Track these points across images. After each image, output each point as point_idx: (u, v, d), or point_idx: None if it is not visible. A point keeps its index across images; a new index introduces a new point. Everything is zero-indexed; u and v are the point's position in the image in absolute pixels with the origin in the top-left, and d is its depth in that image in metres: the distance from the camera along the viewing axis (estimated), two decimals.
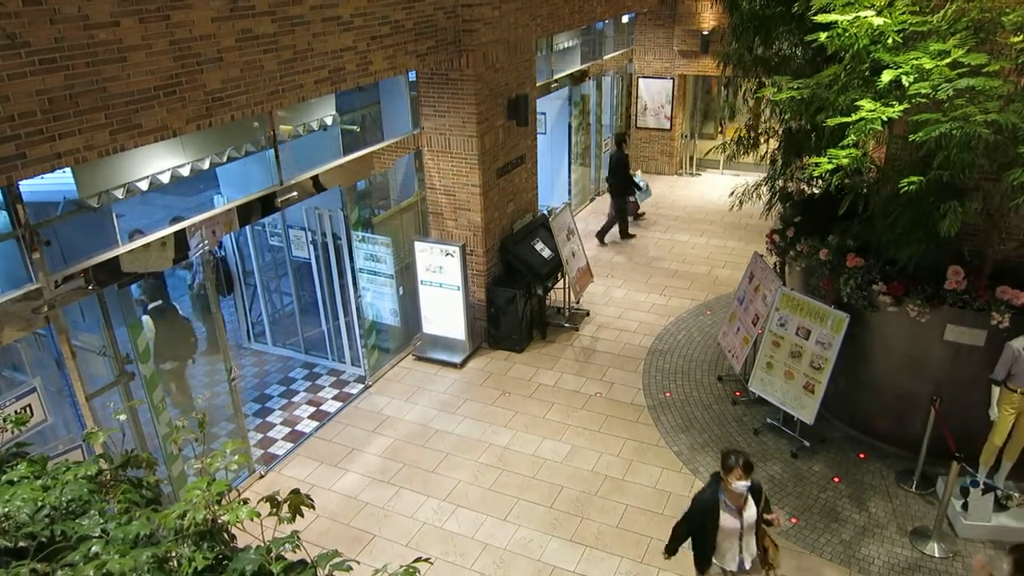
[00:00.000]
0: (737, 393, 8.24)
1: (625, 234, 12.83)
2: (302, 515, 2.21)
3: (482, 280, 9.19)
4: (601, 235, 12.68)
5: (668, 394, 8.32)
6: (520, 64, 9.20)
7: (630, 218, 13.08)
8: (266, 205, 6.72)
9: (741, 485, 4.59)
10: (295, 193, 6.95)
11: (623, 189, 12.42)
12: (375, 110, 9.09)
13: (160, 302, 7.53)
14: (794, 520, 6.38)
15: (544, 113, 13.11)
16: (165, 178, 5.86)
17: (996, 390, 6.00)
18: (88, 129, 4.53)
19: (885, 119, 5.05)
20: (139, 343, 5.81)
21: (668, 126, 15.78)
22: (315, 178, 7.23)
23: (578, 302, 10.27)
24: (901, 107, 5.04)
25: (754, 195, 8.24)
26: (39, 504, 2.15)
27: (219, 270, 8.88)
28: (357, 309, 8.47)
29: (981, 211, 5.65)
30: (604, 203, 14.69)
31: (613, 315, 10.16)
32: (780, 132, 7.66)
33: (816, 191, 7.97)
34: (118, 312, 5.78)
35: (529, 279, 9.24)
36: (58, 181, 5.29)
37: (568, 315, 10.05)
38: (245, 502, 2.10)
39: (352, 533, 6.41)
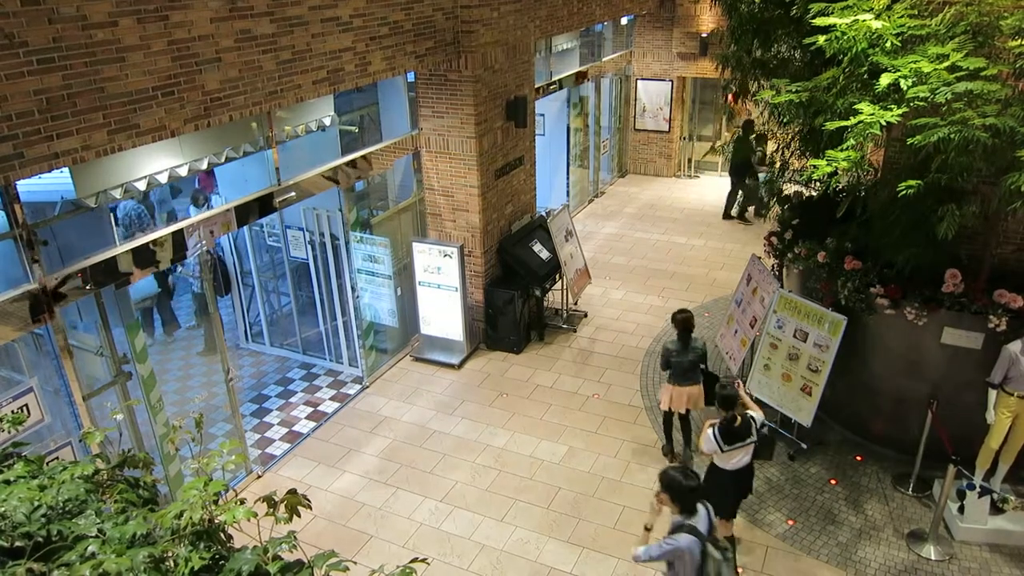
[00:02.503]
0: None
1: (728, 214, 13.62)
2: (299, 515, 2.21)
3: (480, 281, 9.19)
4: (741, 215, 13.62)
5: None
6: (519, 66, 9.20)
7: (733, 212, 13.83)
8: (264, 205, 6.72)
9: None
10: (293, 193, 6.95)
11: (743, 171, 13.29)
12: (374, 111, 9.09)
13: None
14: (791, 522, 6.39)
15: (543, 115, 13.13)
16: (163, 178, 5.86)
17: (993, 393, 6.01)
18: (86, 129, 4.53)
19: (884, 123, 5.06)
20: (136, 343, 5.81)
21: (667, 128, 15.80)
22: (313, 179, 7.24)
23: (576, 304, 10.27)
24: (900, 111, 5.05)
25: None
26: (36, 504, 2.15)
27: (216, 270, 8.87)
28: (355, 310, 8.47)
29: (979, 215, 5.67)
30: (603, 205, 14.71)
31: (611, 317, 10.17)
32: (791, 134, 7.66)
33: (814, 194, 7.99)
34: (115, 312, 5.77)
35: (527, 280, 9.24)
36: (56, 181, 5.29)
37: (566, 316, 10.05)
38: (242, 502, 2.10)
39: (349, 534, 6.41)
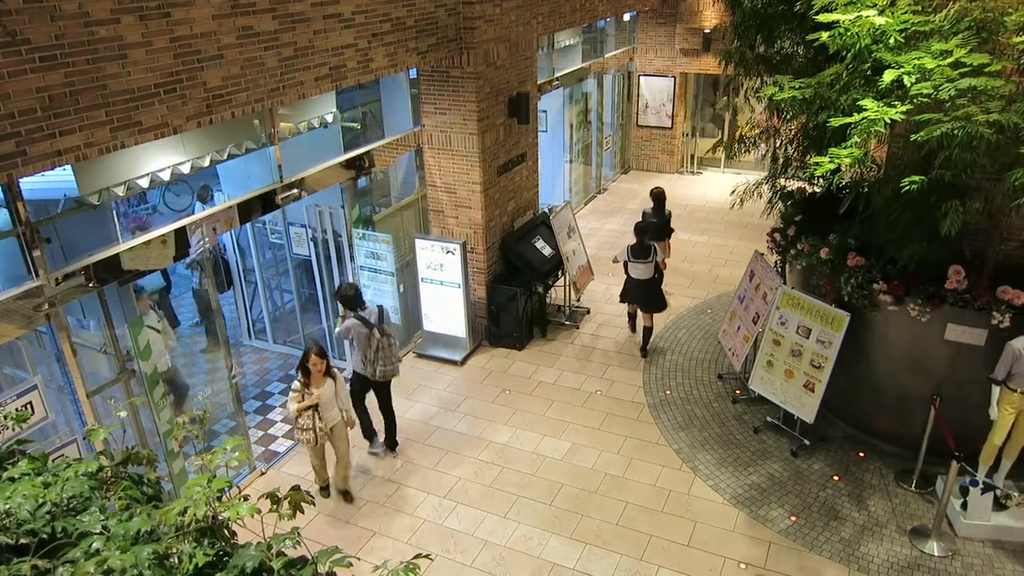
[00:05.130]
0: (737, 391, 8.25)
1: None
2: (302, 512, 2.22)
3: (483, 278, 9.19)
4: None
5: (668, 392, 8.32)
6: (521, 62, 9.19)
7: None
8: (266, 203, 6.72)
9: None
10: (296, 190, 6.96)
11: None
12: (376, 107, 9.09)
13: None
14: (793, 518, 6.39)
15: (545, 111, 13.11)
16: (166, 175, 5.86)
17: (996, 390, 6.00)
18: (88, 126, 4.53)
19: (888, 120, 5.04)
20: (139, 340, 5.82)
21: (669, 124, 15.77)
22: (316, 175, 7.24)
23: (579, 300, 10.27)
24: (903, 107, 5.03)
25: (755, 194, 8.24)
26: (40, 501, 2.16)
27: (218, 266, 8.88)
28: None
29: (982, 211, 5.65)
30: (606, 201, 14.70)
31: (614, 313, 10.16)
32: (790, 130, 7.65)
33: (817, 190, 7.97)
34: (119, 310, 5.78)
35: (530, 277, 9.24)
36: (59, 178, 5.29)
37: (569, 313, 10.05)
38: (246, 499, 2.11)
39: (353, 530, 6.42)
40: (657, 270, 8.86)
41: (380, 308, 6.97)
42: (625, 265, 8.77)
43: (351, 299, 6.87)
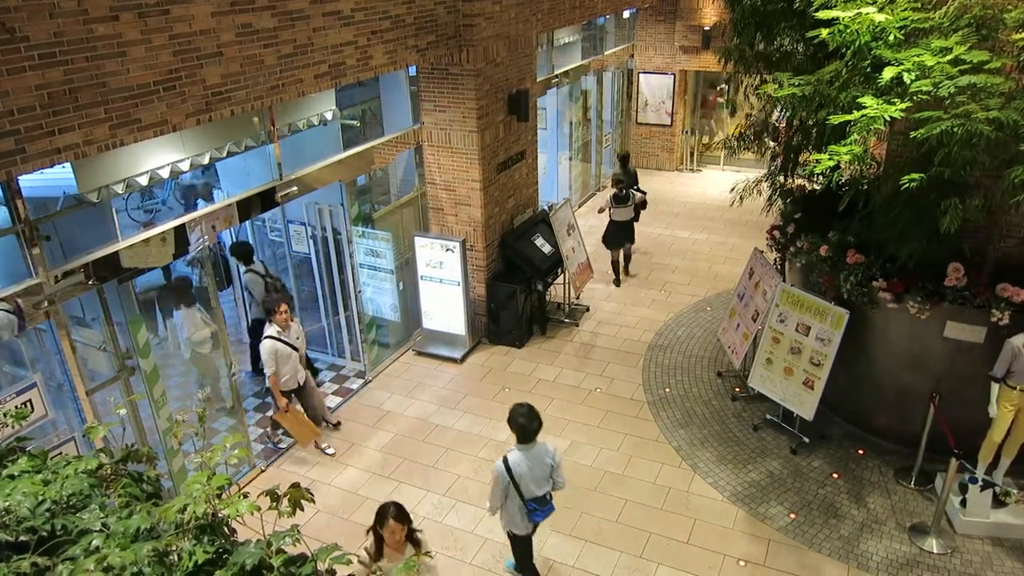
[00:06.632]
0: (737, 389, 8.25)
1: None
2: (302, 509, 2.22)
3: (482, 275, 9.19)
4: None
5: (668, 390, 8.32)
6: (521, 59, 9.18)
7: None
8: (266, 200, 6.72)
9: None
10: (295, 188, 6.95)
11: None
12: (375, 105, 9.08)
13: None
14: (793, 516, 6.40)
15: (545, 108, 13.10)
16: (164, 173, 5.85)
17: (995, 387, 6.00)
18: (87, 124, 4.53)
19: (888, 117, 5.04)
20: (139, 338, 5.81)
21: (669, 122, 15.76)
22: (315, 173, 7.23)
23: (578, 298, 10.27)
24: (903, 105, 5.03)
25: (755, 191, 8.24)
26: (40, 498, 2.16)
27: (218, 263, 8.87)
28: (357, 304, 8.48)
29: (982, 208, 5.65)
30: (604, 199, 14.67)
31: (613, 311, 10.16)
32: (784, 128, 7.65)
33: (817, 187, 7.97)
34: (118, 307, 5.77)
35: (529, 275, 9.24)
36: (58, 176, 5.29)
37: (568, 311, 10.05)
38: (245, 496, 2.11)
39: (352, 528, 6.41)
40: (635, 213, 10.94)
41: (263, 262, 8.35)
42: (609, 211, 10.64)
43: (245, 255, 8.03)
